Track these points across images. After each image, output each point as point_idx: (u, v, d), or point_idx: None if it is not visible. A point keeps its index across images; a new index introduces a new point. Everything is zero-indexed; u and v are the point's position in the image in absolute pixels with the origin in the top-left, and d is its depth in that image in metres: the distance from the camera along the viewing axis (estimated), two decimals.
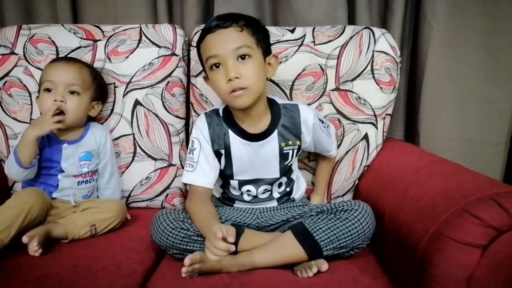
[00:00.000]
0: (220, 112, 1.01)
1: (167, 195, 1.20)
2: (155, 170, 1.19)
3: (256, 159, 0.99)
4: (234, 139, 0.98)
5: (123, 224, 1.06)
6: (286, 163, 1.01)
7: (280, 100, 1.04)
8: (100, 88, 1.12)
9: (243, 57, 0.90)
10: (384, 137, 1.18)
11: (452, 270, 0.70)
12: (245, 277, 0.82)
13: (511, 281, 0.69)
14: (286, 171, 1.02)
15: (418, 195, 0.86)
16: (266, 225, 1.00)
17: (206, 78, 1.00)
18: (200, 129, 1.00)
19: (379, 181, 1.02)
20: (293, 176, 1.07)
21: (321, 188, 1.15)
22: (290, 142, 1.00)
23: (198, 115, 1.14)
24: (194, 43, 1.13)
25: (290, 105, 1.01)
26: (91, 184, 1.11)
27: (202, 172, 0.98)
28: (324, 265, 0.84)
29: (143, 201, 1.21)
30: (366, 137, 1.16)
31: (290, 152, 1.00)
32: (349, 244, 0.87)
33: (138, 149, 1.18)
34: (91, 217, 0.99)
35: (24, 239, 0.86)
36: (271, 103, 1.01)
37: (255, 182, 1.01)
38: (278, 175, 1.01)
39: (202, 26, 1.04)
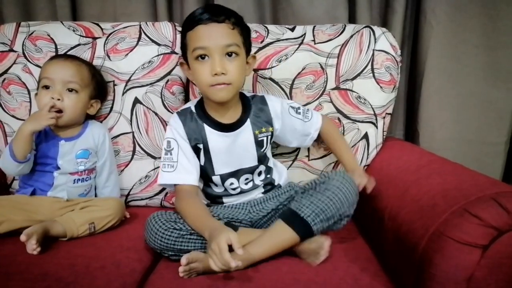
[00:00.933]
0: (193, 109, 1.03)
1: (167, 193, 1.20)
2: (154, 169, 1.18)
3: (234, 149, 1.01)
4: (211, 133, 1.00)
5: (122, 223, 1.06)
6: (262, 150, 1.04)
7: (248, 93, 1.08)
8: (98, 86, 1.12)
9: (230, 54, 0.92)
10: (384, 137, 1.18)
11: (452, 270, 0.69)
12: (244, 275, 0.81)
13: None
14: (262, 158, 1.05)
15: (418, 195, 0.85)
16: (258, 217, 1.01)
17: (182, 64, 1.01)
18: (175, 128, 1.01)
19: (379, 180, 1.02)
20: (270, 164, 1.09)
21: (347, 159, 1.09)
22: (263, 129, 1.03)
23: None
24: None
25: (257, 96, 1.06)
26: (88, 182, 1.10)
27: (184, 171, 0.98)
28: (326, 242, 0.85)
29: (142, 199, 1.20)
30: (366, 136, 1.15)
31: (265, 139, 1.03)
32: (335, 213, 0.88)
33: (138, 147, 1.18)
34: (89, 215, 0.98)
35: (22, 237, 0.85)
36: (241, 95, 1.04)
37: (236, 173, 1.03)
38: (256, 163, 1.03)
39: None
